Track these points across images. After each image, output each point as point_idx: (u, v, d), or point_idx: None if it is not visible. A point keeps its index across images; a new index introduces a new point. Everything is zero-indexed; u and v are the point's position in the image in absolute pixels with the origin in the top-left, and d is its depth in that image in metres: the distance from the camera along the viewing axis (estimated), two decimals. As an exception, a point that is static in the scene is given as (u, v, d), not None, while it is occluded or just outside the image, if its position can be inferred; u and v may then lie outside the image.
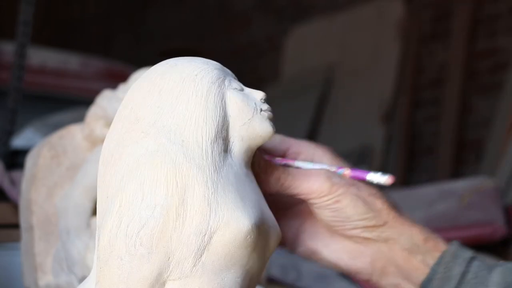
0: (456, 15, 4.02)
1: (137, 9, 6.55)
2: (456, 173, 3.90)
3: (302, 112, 4.55)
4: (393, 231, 0.82)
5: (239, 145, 0.73)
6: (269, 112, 0.75)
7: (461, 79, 3.96)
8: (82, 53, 3.49)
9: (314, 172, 0.81)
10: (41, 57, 3.14)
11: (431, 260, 0.81)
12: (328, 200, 0.81)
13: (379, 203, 0.82)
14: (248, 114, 0.73)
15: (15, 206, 1.36)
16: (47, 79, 3.13)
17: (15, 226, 1.25)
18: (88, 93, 2.81)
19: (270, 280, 2.11)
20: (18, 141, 2.16)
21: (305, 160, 0.85)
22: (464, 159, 3.97)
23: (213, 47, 5.53)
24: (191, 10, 5.99)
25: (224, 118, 0.71)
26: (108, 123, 1.09)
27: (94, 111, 1.16)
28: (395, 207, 0.84)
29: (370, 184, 0.83)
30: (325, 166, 0.83)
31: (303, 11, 5.01)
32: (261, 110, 0.74)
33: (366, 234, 0.82)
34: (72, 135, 1.20)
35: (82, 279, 1.08)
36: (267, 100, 0.75)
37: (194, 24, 5.95)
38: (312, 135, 4.48)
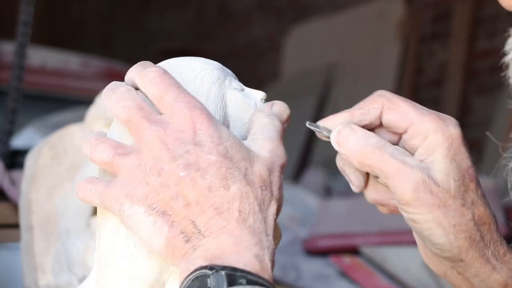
0: (456, 15, 4.02)
1: (137, 9, 6.55)
2: (456, 173, 3.90)
3: (302, 112, 4.55)
4: (468, 269, 0.74)
5: (239, 145, 0.72)
6: (269, 112, 0.75)
7: (461, 79, 3.95)
8: (82, 53, 3.49)
9: (406, 171, 0.72)
10: (41, 57, 3.14)
11: None
12: (404, 211, 0.73)
13: (461, 239, 0.72)
14: (248, 114, 0.73)
15: (15, 206, 1.36)
16: (47, 79, 3.13)
17: (15, 226, 1.25)
18: (88, 93, 2.81)
19: (270, 280, 2.11)
20: (18, 141, 2.15)
21: (412, 146, 0.75)
22: (464, 159, 3.97)
23: (213, 47, 5.52)
24: (191, 10, 5.99)
25: (224, 118, 0.71)
26: (108, 123, 1.09)
27: (94, 111, 1.16)
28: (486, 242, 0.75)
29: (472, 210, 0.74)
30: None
31: (303, 11, 5.01)
32: (261, 110, 0.74)
33: (441, 259, 0.75)
34: (72, 135, 1.20)
35: (82, 279, 1.08)
36: (267, 100, 0.75)
37: (194, 24, 5.95)
38: (312, 135, 4.48)
